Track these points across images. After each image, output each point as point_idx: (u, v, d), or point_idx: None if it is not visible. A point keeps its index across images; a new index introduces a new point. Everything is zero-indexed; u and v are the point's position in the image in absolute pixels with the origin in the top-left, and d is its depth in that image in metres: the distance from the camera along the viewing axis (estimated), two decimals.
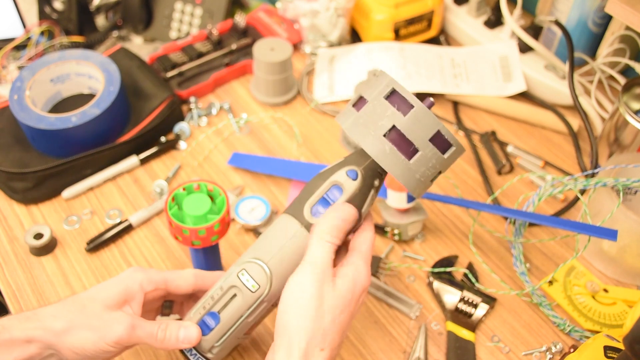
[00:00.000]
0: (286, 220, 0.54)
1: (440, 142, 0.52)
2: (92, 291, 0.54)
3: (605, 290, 0.71)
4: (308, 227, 0.53)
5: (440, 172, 0.54)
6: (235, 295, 0.54)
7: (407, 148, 0.51)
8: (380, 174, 0.55)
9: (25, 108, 0.77)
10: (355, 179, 0.53)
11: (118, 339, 0.52)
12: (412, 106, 0.51)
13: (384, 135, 0.51)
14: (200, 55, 0.94)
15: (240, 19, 0.98)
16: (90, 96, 0.84)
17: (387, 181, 0.70)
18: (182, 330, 0.54)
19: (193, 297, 0.61)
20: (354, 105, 0.54)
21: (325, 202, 0.54)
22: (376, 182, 0.55)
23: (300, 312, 0.49)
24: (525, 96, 0.94)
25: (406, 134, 0.51)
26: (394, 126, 0.51)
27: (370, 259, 0.54)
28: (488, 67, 0.95)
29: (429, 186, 0.54)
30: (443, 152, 0.52)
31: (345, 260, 0.53)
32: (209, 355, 0.55)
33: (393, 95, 0.52)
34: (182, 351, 0.56)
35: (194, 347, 0.55)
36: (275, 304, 0.54)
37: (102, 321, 0.52)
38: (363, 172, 0.54)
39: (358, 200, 0.54)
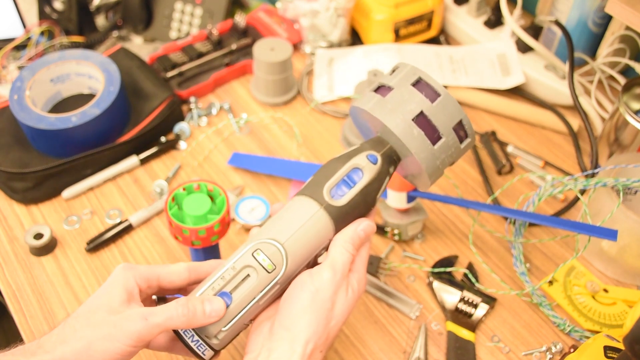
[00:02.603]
0: (303, 201, 0.53)
1: (460, 131, 0.55)
2: (90, 303, 0.50)
3: (605, 290, 0.71)
4: (328, 208, 0.53)
5: (452, 163, 0.56)
6: (248, 275, 0.51)
7: (432, 134, 0.54)
8: (395, 161, 0.56)
9: (25, 108, 0.77)
10: (375, 163, 0.55)
11: (137, 337, 0.47)
12: (439, 94, 0.53)
13: (412, 120, 0.53)
14: (200, 55, 0.94)
15: (240, 19, 0.98)
16: (90, 96, 0.84)
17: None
18: (207, 304, 0.49)
19: (184, 291, 0.57)
20: (375, 91, 0.56)
21: (346, 183, 0.54)
22: (391, 169, 0.56)
23: (312, 312, 0.50)
24: (525, 96, 0.94)
25: (432, 120, 0.53)
26: (421, 112, 0.53)
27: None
28: (486, 63, 0.95)
29: (441, 176, 0.57)
30: (460, 142, 0.55)
31: (353, 265, 0.54)
32: (213, 341, 0.51)
33: (419, 83, 0.54)
34: (179, 336, 0.51)
35: (196, 332, 0.51)
36: (283, 290, 0.53)
37: (113, 326, 0.48)
38: (381, 157, 0.55)
39: (376, 184, 0.55)
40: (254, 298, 0.51)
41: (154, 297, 0.56)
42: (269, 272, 0.51)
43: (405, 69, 0.55)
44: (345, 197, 0.53)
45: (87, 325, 0.48)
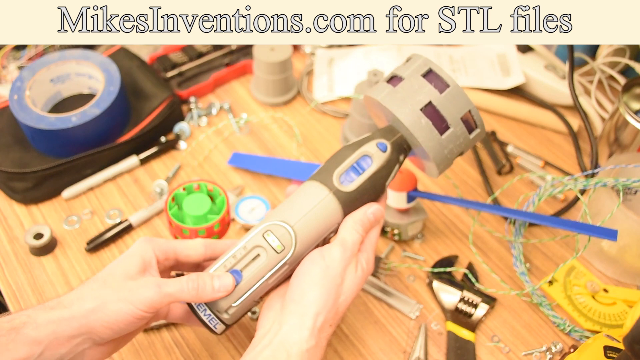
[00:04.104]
0: (314, 186, 0.56)
1: (469, 122, 0.56)
2: (109, 268, 0.53)
3: (605, 290, 0.71)
4: (337, 193, 0.55)
5: (461, 153, 0.58)
6: (258, 255, 0.54)
7: (440, 124, 0.55)
8: (406, 150, 0.58)
9: (25, 108, 0.77)
10: (384, 151, 0.56)
11: (150, 302, 0.50)
12: (448, 85, 0.55)
13: (421, 110, 0.55)
14: (200, 55, 0.94)
15: None
16: (90, 96, 0.84)
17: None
18: (216, 280, 0.52)
19: (200, 267, 0.59)
20: (388, 82, 0.57)
21: (355, 170, 0.56)
22: (401, 158, 0.58)
23: (323, 286, 0.52)
24: (525, 96, 0.94)
25: (441, 110, 0.54)
26: (430, 102, 0.54)
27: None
28: (486, 63, 0.95)
29: (450, 165, 0.58)
30: (469, 133, 0.56)
31: (362, 246, 0.56)
32: (224, 316, 0.54)
33: (429, 74, 0.56)
34: (193, 310, 0.54)
35: (209, 307, 0.53)
36: (293, 270, 0.55)
37: (129, 290, 0.51)
38: (391, 146, 0.57)
39: (385, 172, 0.56)
40: (264, 277, 0.54)
41: (173, 273, 0.59)
42: (278, 253, 0.53)
43: (418, 60, 0.57)
44: (354, 183, 0.55)
45: (104, 287, 0.51)
